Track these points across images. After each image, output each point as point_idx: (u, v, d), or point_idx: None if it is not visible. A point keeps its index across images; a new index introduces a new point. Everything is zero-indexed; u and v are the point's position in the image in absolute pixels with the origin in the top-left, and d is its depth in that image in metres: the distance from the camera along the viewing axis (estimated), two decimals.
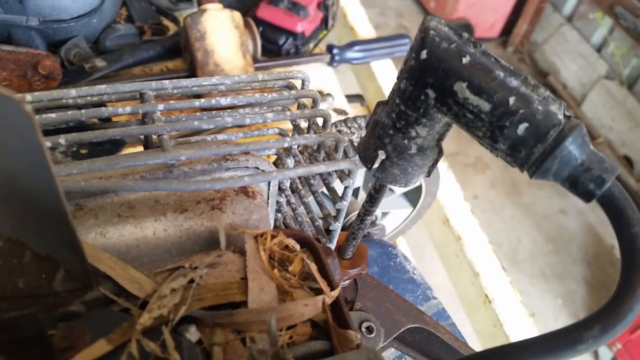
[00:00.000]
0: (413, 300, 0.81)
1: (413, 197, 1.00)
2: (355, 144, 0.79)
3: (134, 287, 0.35)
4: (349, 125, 0.82)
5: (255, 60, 1.15)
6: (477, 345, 1.11)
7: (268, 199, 0.47)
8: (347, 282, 0.55)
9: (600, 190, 0.31)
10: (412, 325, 0.57)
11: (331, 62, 1.27)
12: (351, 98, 1.47)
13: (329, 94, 1.19)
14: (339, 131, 0.83)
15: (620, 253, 0.30)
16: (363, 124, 0.83)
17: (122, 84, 0.43)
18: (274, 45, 1.21)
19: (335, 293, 0.36)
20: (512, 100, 0.32)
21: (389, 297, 0.58)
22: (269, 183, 0.46)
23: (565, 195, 2.92)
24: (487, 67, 0.33)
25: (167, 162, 0.38)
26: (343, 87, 1.28)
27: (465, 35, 0.34)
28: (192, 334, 0.33)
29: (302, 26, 1.19)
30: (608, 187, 0.31)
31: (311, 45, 1.28)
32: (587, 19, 3.09)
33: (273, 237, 0.38)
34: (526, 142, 0.32)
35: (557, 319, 2.41)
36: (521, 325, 1.04)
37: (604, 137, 2.92)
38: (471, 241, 1.13)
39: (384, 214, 0.99)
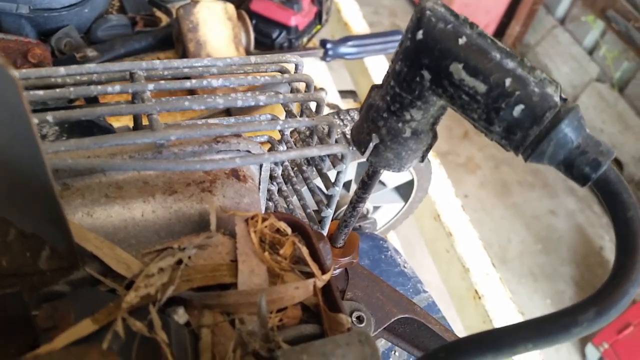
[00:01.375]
0: (404, 293, 0.80)
1: (405, 191, 1.00)
2: (348, 136, 0.78)
3: (121, 267, 0.34)
4: (341, 117, 0.82)
5: (248, 53, 1.15)
6: None
7: (259, 184, 0.46)
8: (338, 271, 0.54)
9: (596, 173, 0.31)
10: (402, 316, 0.57)
11: (324, 57, 1.26)
12: (344, 94, 1.46)
13: (321, 89, 1.19)
14: None
15: (615, 236, 0.30)
16: (356, 117, 0.82)
17: (112, 63, 0.42)
18: (267, 38, 1.20)
19: (326, 277, 0.35)
20: (508, 81, 0.31)
21: (380, 287, 0.58)
22: (261, 167, 0.45)
23: (555, 196, 2.94)
24: (484, 48, 0.32)
25: (156, 142, 0.37)
26: (336, 82, 1.28)
27: (462, 16, 0.34)
28: (180, 315, 0.33)
29: (296, 20, 1.18)
30: (604, 170, 0.31)
31: (304, 39, 1.27)
32: (580, 22, 3.11)
33: (264, 219, 0.37)
34: (522, 124, 0.32)
35: None
36: (511, 322, 1.04)
37: None
38: (462, 237, 1.13)
39: (376, 208, 0.99)
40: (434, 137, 0.39)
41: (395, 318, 0.56)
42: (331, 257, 0.39)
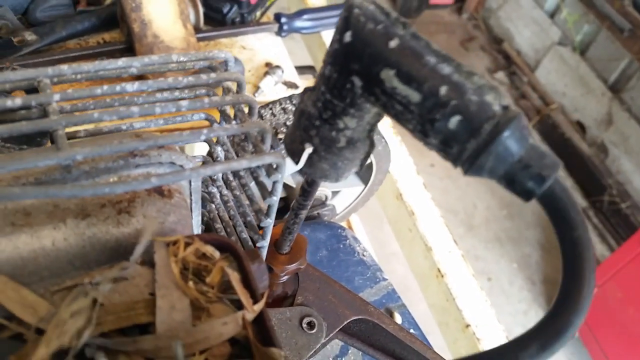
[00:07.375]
0: (363, 282, 0.79)
1: (364, 174, 0.97)
2: None
3: (26, 312, 0.30)
4: (294, 102, 0.78)
5: (197, 30, 1.09)
6: (430, 319, 1.10)
7: (191, 195, 0.42)
8: (286, 277, 0.51)
9: (540, 189, 0.28)
10: (356, 317, 0.55)
11: (279, 32, 1.21)
12: (302, 70, 1.41)
13: (277, 66, 1.14)
14: (284, 109, 0.78)
15: (562, 259, 0.27)
16: None
17: (14, 72, 0.37)
18: (218, 13, 1.14)
19: (258, 307, 0.32)
20: (443, 90, 0.28)
21: (332, 288, 0.55)
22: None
23: None
24: (417, 51, 0.29)
25: (61, 163, 0.33)
26: (293, 58, 1.23)
27: (394, 14, 0.30)
28: None
29: None
30: (549, 185, 0.28)
31: (258, 13, 1.21)
32: None
33: (188, 244, 0.34)
34: (458, 137, 0.29)
35: (512, 283, 2.47)
36: (473, 299, 1.04)
37: (558, 103, 2.97)
38: (424, 216, 1.12)
39: (335, 193, 0.96)
40: (371, 144, 0.36)
41: (349, 320, 0.54)
42: (267, 277, 0.36)
